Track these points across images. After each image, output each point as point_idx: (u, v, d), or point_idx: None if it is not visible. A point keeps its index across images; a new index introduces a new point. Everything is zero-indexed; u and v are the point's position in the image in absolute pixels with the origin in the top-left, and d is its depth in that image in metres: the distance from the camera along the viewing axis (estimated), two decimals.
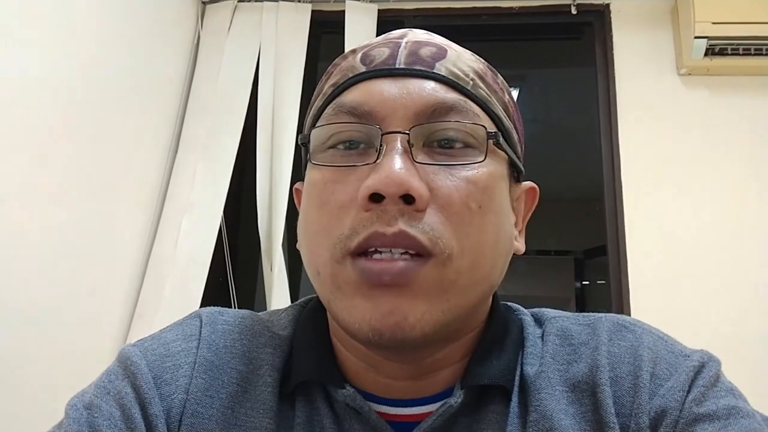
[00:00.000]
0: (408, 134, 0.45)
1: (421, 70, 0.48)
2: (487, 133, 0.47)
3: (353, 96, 0.47)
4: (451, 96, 0.47)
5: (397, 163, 0.43)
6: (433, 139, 0.46)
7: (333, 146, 0.47)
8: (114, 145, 1.52)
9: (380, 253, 0.43)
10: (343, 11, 1.91)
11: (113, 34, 1.51)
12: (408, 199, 0.43)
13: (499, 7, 1.98)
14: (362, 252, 0.43)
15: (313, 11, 1.94)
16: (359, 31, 1.86)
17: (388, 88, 0.47)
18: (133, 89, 1.60)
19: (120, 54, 1.54)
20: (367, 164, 0.45)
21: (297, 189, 0.57)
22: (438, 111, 0.46)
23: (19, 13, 1.20)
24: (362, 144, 0.46)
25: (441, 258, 0.43)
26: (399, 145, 0.44)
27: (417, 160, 0.44)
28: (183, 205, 1.72)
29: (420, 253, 0.43)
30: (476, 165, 0.46)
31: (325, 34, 2.06)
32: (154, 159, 1.74)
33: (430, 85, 0.47)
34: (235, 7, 1.97)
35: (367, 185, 0.43)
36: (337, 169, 0.46)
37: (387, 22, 1.92)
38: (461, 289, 0.45)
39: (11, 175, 1.18)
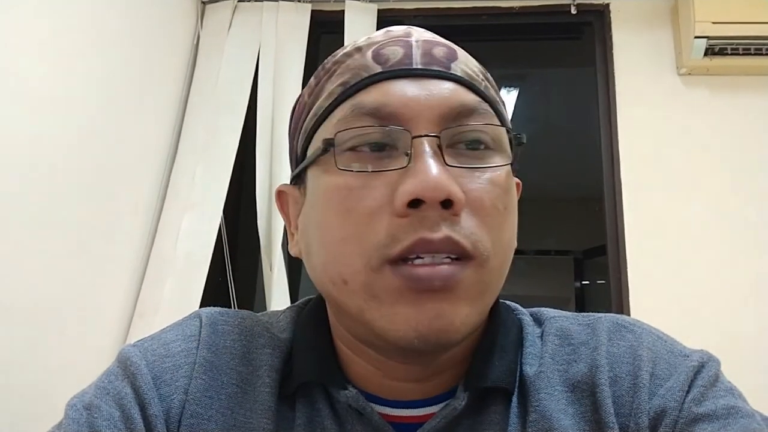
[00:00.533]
0: (439, 137, 0.44)
1: (438, 71, 0.47)
2: (513, 135, 0.48)
3: (373, 97, 0.46)
4: (471, 97, 0.47)
5: (433, 167, 0.42)
6: (458, 140, 0.46)
7: (352, 148, 0.45)
8: (113, 145, 1.52)
9: (421, 258, 0.42)
10: (343, 11, 1.91)
11: (113, 34, 1.51)
12: (446, 203, 0.42)
13: (499, 7, 1.98)
14: (402, 259, 0.42)
15: (312, 11, 1.94)
16: (359, 31, 1.86)
17: (408, 88, 0.46)
18: (133, 89, 1.60)
19: (120, 53, 1.54)
20: (397, 169, 0.44)
21: (283, 192, 0.55)
22: (462, 113, 0.46)
23: (17, 13, 1.20)
24: (384, 146, 0.45)
25: (480, 260, 0.43)
26: (429, 148, 0.44)
27: (448, 164, 0.44)
28: (183, 204, 1.72)
29: (460, 257, 0.43)
30: (500, 167, 0.46)
31: (325, 34, 2.06)
32: (154, 159, 1.74)
33: (449, 86, 0.47)
34: (235, 6, 1.97)
35: (407, 191, 0.42)
36: (360, 173, 0.45)
37: (387, 21, 1.91)
38: (493, 290, 0.46)
39: (11, 175, 1.18)
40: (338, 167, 0.45)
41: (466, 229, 0.43)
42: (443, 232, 0.42)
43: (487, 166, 0.46)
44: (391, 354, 0.47)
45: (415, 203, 0.42)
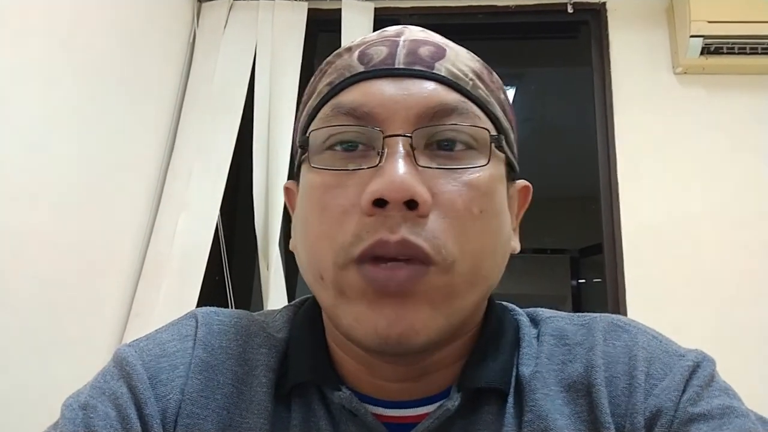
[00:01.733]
0: (410, 137, 0.44)
1: (420, 71, 0.47)
2: (491, 136, 0.46)
3: (353, 96, 0.46)
4: (452, 97, 0.46)
5: (400, 167, 0.42)
6: (434, 140, 0.45)
7: (330, 147, 0.46)
8: (110, 144, 1.51)
9: (385, 262, 0.42)
10: (340, 9, 1.91)
11: (109, 33, 1.51)
12: (411, 204, 0.42)
13: (496, 6, 1.98)
14: (366, 258, 0.42)
15: (309, 9, 1.94)
16: (355, 29, 1.86)
17: (387, 88, 0.46)
18: (130, 87, 1.60)
19: (116, 52, 1.54)
20: (369, 168, 0.44)
21: (288, 188, 0.56)
22: (440, 113, 0.45)
23: (15, 11, 1.19)
24: (361, 145, 0.46)
25: (444, 265, 0.43)
26: (401, 148, 0.43)
27: (419, 164, 0.44)
28: (179, 203, 1.72)
29: (421, 260, 0.42)
30: (478, 169, 0.45)
31: (322, 32, 2.06)
32: (151, 157, 1.74)
33: (430, 86, 0.46)
34: (231, 5, 1.97)
35: (371, 191, 0.42)
36: (336, 172, 0.45)
37: (383, 20, 1.91)
38: (463, 294, 0.45)
39: (8, 174, 1.18)
40: (312, 165, 0.46)
41: (430, 232, 0.42)
42: (401, 234, 0.42)
43: (464, 167, 0.45)
44: (372, 355, 0.46)
45: (380, 203, 0.42)
